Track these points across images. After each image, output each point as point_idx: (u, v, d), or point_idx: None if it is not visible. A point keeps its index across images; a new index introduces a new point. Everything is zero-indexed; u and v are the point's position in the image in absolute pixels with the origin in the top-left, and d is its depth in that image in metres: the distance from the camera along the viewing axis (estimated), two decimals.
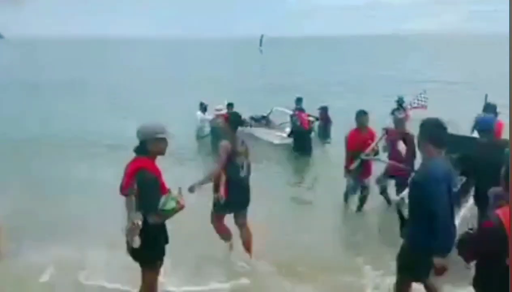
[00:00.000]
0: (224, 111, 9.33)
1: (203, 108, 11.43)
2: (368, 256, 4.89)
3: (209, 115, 11.00)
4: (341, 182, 6.48)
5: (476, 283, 2.48)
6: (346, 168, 6.16)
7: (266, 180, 7.36)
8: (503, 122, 5.75)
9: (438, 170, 3.00)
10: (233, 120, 4.67)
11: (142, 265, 3.41)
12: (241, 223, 4.70)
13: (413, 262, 3.14)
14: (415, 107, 14.24)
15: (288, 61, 41.15)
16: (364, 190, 6.29)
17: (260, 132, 11.14)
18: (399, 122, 6.20)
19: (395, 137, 6.05)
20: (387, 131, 6.23)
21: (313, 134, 10.76)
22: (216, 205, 4.58)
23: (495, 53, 22.58)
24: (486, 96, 6.58)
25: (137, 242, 3.21)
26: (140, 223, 3.18)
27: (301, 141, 10.04)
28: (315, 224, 6.03)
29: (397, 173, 5.92)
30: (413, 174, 3.63)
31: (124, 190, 3.29)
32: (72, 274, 4.58)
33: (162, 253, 3.45)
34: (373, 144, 5.99)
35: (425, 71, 28.14)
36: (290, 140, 10.36)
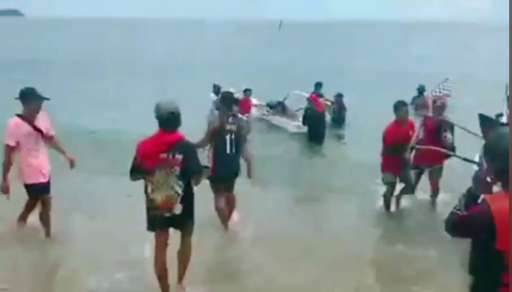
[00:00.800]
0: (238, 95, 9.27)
1: (217, 90, 11.19)
2: None
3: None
4: None
5: (469, 269, 2.42)
6: (385, 166, 5.65)
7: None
8: None
9: None
10: (226, 99, 5.08)
11: (184, 230, 3.75)
12: (227, 195, 5.07)
13: None
14: (438, 96, 13.86)
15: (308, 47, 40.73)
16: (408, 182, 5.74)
17: (277, 120, 10.95)
18: (438, 110, 5.85)
19: (436, 125, 5.71)
20: (425, 119, 5.90)
21: (328, 119, 10.49)
22: (209, 177, 4.81)
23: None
24: (507, 86, 6.21)
25: (179, 208, 3.56)
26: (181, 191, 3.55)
27: (315, 128, 9.66)
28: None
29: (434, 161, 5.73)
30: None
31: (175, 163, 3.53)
32: None
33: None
34: (415, 134, 5.63)
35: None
36: (306, 129, 10.00)
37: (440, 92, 13.86)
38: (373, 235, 5.36)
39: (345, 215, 5.84)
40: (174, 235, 3.79)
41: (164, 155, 3.50)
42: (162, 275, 3.68)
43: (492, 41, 42.59)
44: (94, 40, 46.43)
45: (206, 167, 4.54)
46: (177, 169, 3.50)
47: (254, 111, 11.13)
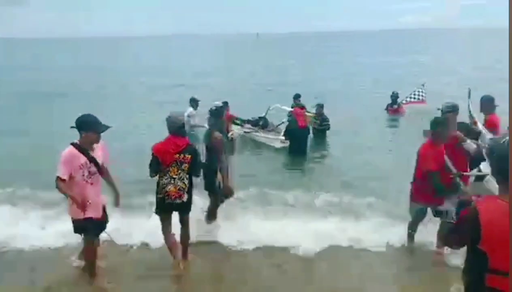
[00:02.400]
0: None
1: (195, 103, 11.37)
2: None
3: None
4: None
5: (462, 271, 2.50)
6: (417, 196, 4.83)
7: None
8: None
9: None
10: (219, 112, 5.59)
11: (186, 214, 4.74)
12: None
13: None
14: (412, 102, 14.20)
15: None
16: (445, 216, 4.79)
17: (261, 136, 10.77)
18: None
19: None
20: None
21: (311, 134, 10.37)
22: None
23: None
24: (469, 91, 6.50)
25: (185, 197, 4.59)
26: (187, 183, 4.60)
27: (297, 142, 9.64)
28: None
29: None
30: None
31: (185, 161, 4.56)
32: None
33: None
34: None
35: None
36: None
37: (414, 98, 14.23)
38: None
39: None
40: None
41: (177, 155, 4.49)
42: (174, 246, 4.76)
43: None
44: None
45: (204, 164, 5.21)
46: (186, 166, 4.52)
47: (235, 128, 10.82)
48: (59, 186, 4.04)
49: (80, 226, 4.24)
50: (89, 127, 4.10)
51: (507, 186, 2.23)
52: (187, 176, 4.55)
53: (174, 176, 4.49)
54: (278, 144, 10.27)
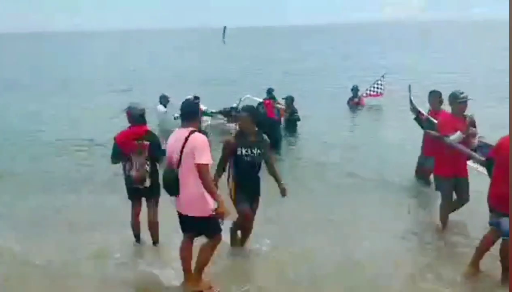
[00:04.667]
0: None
1: (166, 101, 11.19)
2: None
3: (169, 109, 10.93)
4: None
5: None
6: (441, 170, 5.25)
7: None
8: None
9: None
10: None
11: (151, 199, 4.95)
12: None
13: None
14: (370, 95, 15.07)
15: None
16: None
17: (232, 127, 10.36)
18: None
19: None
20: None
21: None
22: None
23: None
24: (409, 87, 7.36)
25: (148, 182, 4.80)
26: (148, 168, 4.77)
27: (269, 135, 9.72)
28: None
29: None
30: None
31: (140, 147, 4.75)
32: None
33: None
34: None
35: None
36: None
37: (373, 91, 15.07)
38: None
39: None
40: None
41: (136, 142, 4.74)
42: (136, 228, 5.07)
43: None
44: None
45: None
46: (146, 152, 4.76)
47: (207, 119, 10.95)
48: (207, 172, 3.89)
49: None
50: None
51: None
52: (148, 162, 4.78)
53: (135, 162, 4.75)
54: None
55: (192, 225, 4.02)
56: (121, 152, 4.80)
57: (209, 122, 10.99)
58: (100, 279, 4.53)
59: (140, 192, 4.92)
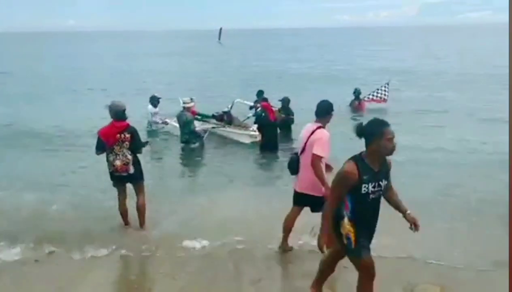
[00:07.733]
0: (192, 104, 9.65)
1: (156, 101, 11.18)
2: None
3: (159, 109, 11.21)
4: None
5: None
6: None
7: None
8: None
9: None
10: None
11: (137, 186, 5.57)
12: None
13: None
14: (373, 100, 14.35)
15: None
16: None
17: (228, 132, 10.38)
18: None
19: None
20: None
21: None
22: None
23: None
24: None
25: (132, 170, 5.41)
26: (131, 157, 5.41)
27: (269, 137, 9.40)
28: None
29: None
30: None
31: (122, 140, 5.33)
32: None
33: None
34: None
35: None
36: (259, 138, 9.68)
37: (376, 96, 14.39)
38: None
39: None
40: None
41: (118, 135, 5.28)
42: (124, 214, 5.66)
43: None
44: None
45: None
46: (127, 143, 5.31)
47: (200, 124, 10.51)
48: (320, 165, 4.48)
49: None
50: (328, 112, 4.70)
51: None
52: (130, 152, 5.36)
53: (118, 153, 5.33)
54: (247, 140, 9.94)
55: (304, 201, 4.72)
56: (104, 144, 5.32)
57: (203, 126, 10.35)
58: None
59: (125, 179, 5.49)
